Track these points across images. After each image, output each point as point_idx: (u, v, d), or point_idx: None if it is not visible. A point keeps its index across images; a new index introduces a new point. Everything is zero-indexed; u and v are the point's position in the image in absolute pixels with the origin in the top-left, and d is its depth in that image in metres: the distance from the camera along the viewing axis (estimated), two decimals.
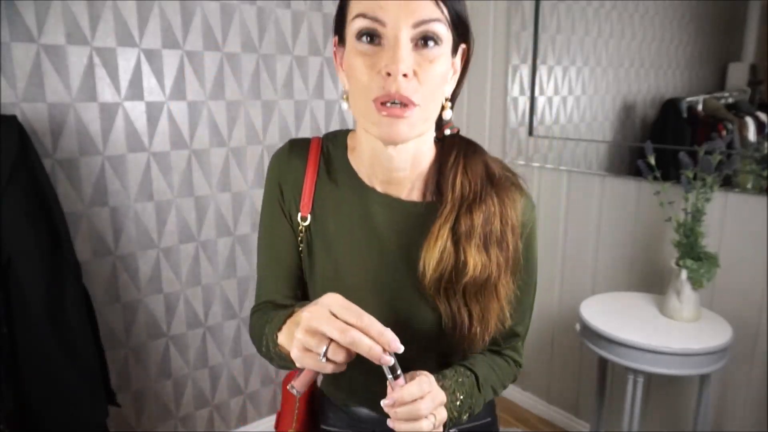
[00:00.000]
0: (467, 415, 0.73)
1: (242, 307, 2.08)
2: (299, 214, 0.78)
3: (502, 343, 0.81)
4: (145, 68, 1.70)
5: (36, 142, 1.47)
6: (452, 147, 0.76)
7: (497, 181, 0.74)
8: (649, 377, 1.68)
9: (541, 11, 2.02)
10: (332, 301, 0.57)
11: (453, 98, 0.74)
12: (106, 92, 1.64)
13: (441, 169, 0.75)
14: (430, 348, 0.76)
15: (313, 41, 2.07)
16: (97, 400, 1.47)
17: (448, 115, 0.72)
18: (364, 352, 0.56)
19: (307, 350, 0.57)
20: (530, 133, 2.12)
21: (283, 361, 0.70)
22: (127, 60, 1.66)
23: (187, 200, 1.87)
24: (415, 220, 0.74)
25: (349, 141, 0.80)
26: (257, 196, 2.04)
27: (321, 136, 0.82)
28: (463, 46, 0.70)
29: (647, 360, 1.42)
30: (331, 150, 0.80)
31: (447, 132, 0.77)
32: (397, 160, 0.72)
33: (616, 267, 1.92)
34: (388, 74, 0.61)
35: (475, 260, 0.69)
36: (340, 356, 0.56)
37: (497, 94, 2.20)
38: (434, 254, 0.70)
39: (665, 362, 1.41)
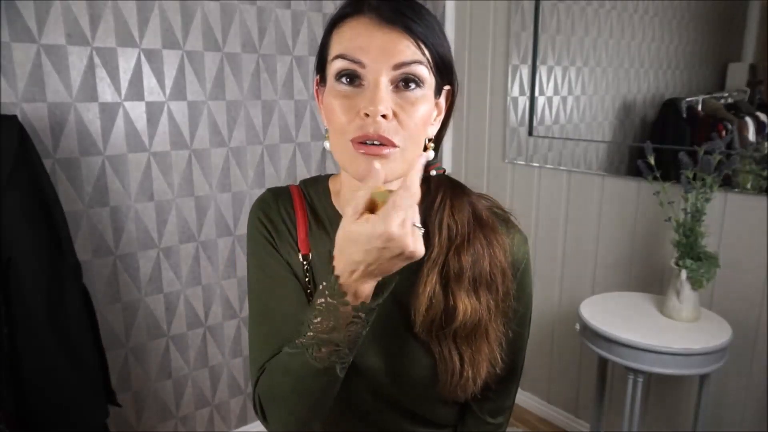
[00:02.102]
0: None
1: (242, 307, 2.08)
2: (300, 254, 0.74)
3: (494, 386, 0.79)
4: (146, 68, 1.70)
5: (36, 142, 1.47)
6: (438, 188, 0.74)
7: (485, 222, 0.72)
8: (649, 377, 1.68)
9: (541, 11, 2.02)
10: (347, 222, 0.56)
11: (438, 140, 0.72)
12: (106, 92, 1.64)
13: (427, 211, 0.72)
14: (428, 394, 0.75)
15: (313, 41, 2.07)
16: (97, 400, 1.47)
17: (430, 156, 0.70)
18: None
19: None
20: (530, 133, 2.12)
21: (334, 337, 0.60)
22: (127, 60, 1.66)
23: (187, 200, 1.87)
24: None
25: (331, 185, 0.77)
26: (257, 195, 2.03)
27: (297, 183, 0.79)
28: (447, 87, 0.69)
29: (647, 360, 1.42)
30: (313, 196, 0.77)
31: (433, 173, 0.75)
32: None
33: (616, 267, 1.92)
34: (367, 115, 0.60)
35: (464, 304, 0.68)
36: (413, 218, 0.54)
37: (497, 94, 2.20)
38: (424, 299, 0.68)
39: (665, 362, 1.41)
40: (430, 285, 0.69)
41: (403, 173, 0.65)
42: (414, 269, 0.70)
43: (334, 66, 0.62)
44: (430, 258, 0.70)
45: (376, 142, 0.61)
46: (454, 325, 0.69)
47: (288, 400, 0.67)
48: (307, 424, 0.69)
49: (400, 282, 0.71)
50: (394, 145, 0.61)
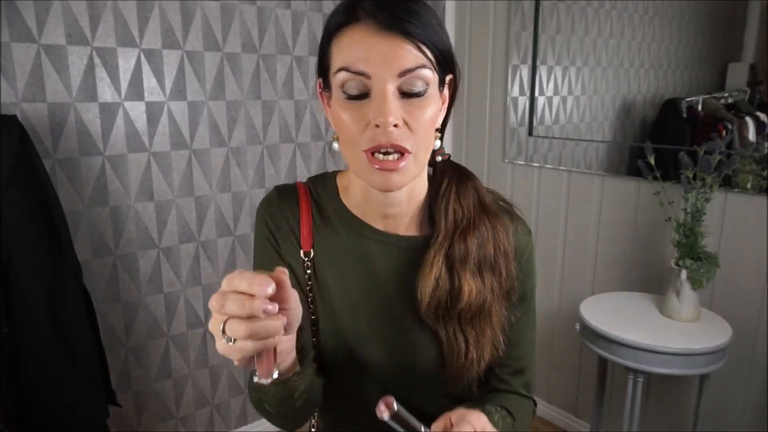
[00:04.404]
0: None
1: None
2: (301, 251, 0.75)
3: (513, 382, 0.80)
4: (145, 68, 1.70)
5: (36, 142, 1.47)
6: (444, 174, 0.75)
7: (489, 207, 0.74)
8: (649, 377, 1.68)
9: (541, 11, 2.02)
10: (227, 280, 0.50)
11: (443, 126, 0.73)
12: (106, 92, 1.64)
13: (433, 197, 0.74)
14: (434, 382, 0.75)
15: (313, 41, 2.07)
16: (98, 400, 1.47)
17: (437, 145, 0.71)
18: (252, 311, 0.48)
19: (219, 336, 0.51)
20: (530, 133, 2.12)
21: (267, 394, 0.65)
22: (127, 60, 1.66)
23: (187, 200, 1.87)
24: (413, 254, 0.73)
25: (339, 181, 0.78)
26: (257, 195, 2.04)
27: (304, 181, 0.80)
28: (450, 76, 0.69)
29: (647, 360, 1.42)
30: (320, 192, 0.78)
31: (438, 159, 0.76)
32: (393, 198, 0.71)
33: (616, 267, 1.92)
34: (377, 126, 0.60)
35: (469, 285, 0.70)
36: (238, 331, 0.48)
37: (497, 94, 2.20)
38: (430, 281, 0.70)
39: (665, 362, 1.41)
40: (436, 267, 0.70)
41: (416, 175, 0.67)
42: (421, 258, 0.72)
43: (338, 78, 0.62)
44: (436, 242, 0.71)
45: (390, 150, 0.61)
46: (459, 306, 0.70)
47: (259, 406, 0.70)
48: (291, 425, 0.72)
49: (407, 274, 0.73)
50: (407, 151, 0.62)
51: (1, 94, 1.46)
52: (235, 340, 0.49)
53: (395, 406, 0.52)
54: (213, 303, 0.49)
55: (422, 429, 0.54)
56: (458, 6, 2.27)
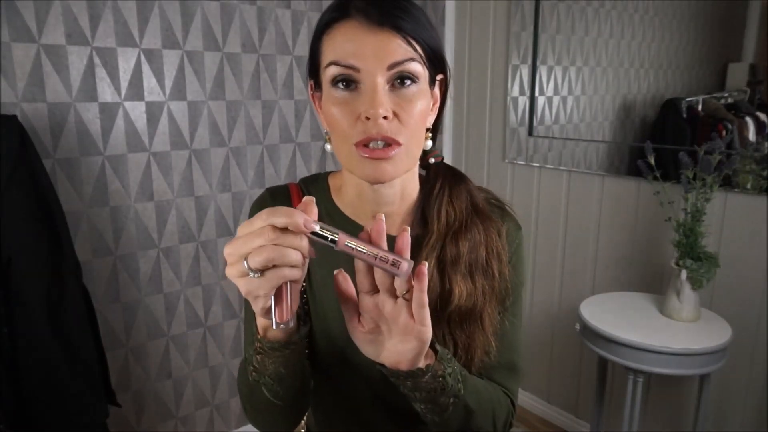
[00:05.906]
0: (453, 397, 0.65)
1: (242, 307, 2.08)
2: None
3: (493, 375, 0.77)
4: (145, 68, 1.70)
5: (36, 142, 1.47)
6: (437, 176, 0.75)
7: (481, 209, 0.74)
8: (649, 377, 1.68)
9: (541, 11, 2.02)
10: (246, 225, 0.51)
11: (435, 128, 0.73)
12: (106, 92, 1.64)
13: (426, 199, 0.74)
14: None
15: None
16: (97, 400, 1.47)
17: (428, 145, 0.71)
18: (287, 243, 0.49)
19: (241, 276, 0.51)
20: (530, 133, 2.12)
21: (268, 369, 0.63)
22: (127, 60, 1.66)
23: (187, 200, 1.87)
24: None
25: (331, 181, 0.79)
26: (257, 195, 2.04)
27: (296, 182, 0.80)
28: (440, 76, 0.70)
29: (647, 360, 1.42)
30: (312, 193, 0.78)
31: (431, 161, 0.77)
32: (385, 196, 0.71)
33: (616, 267, 1.92)
34: (368, 118, 0.61)
35: (460, 288, 0.69)
36: (266, 255, 0.48)
37: (497, 94, 2.20)
38: None
39: (665, 362, 1.41)
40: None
41: (408, 169, 0.67)
42: (410, 253, 0.71)
43: (329, 73, 0.63)
44: (428, 244, 0.71)
45: (380, 143, 0.62)
46: (449, 308, 0.69)
47: (243, 398, 0.71)
48: (281, 425, 0.71)
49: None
50: (398, 144, 0.62)
51: (1, 94, 1.47)
52: (262, 272, 0.49)
53: (314, 226, 0.51)
54: (230, 248, 0.49)
55: (338, 234, 0.53)
56: (458, 6, 2.27)
